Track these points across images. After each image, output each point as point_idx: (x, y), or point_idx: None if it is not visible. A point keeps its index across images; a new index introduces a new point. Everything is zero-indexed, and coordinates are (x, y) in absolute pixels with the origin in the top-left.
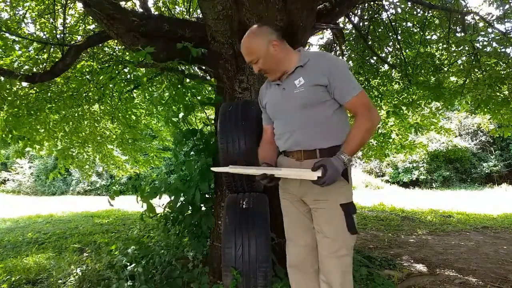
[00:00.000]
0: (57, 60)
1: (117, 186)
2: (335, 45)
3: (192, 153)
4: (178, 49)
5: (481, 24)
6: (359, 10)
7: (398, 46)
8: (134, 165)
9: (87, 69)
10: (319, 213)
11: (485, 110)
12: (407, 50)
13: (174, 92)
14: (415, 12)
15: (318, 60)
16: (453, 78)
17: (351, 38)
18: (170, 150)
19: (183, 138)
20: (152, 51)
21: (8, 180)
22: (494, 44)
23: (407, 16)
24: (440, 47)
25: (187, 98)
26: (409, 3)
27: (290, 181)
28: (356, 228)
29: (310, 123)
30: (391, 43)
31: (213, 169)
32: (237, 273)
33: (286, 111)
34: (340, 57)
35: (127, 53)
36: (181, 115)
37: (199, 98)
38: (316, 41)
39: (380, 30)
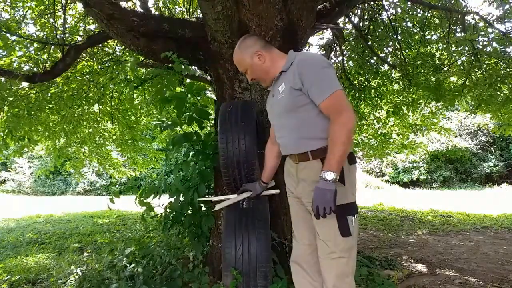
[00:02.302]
0: (57, 60)
1: (117, 186)
2: (335, 45)
3: (191, 153)
4: (178, 50)
5: (481, 24)
6: (359, 10)
7: (398, 46)
8: (133, 166)
9: (87, 70)
10: (313, 214)
11: (486, 109)
12: (407, 50)
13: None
14: (415, 12)
15: (295, 63)
16: (453, 78)
17: (351, 38)
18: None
19: (177, 142)
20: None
21: (8, 180)
22: (494, 44)
23: (407, 16)
24: (440, 47)
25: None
26: (409, 3)
27: (289, 181)
28: (350, 231)
29: (296, 127)
30: (391, 43)
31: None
32: (237, 273)
33: (276, 117)
34: (321, 56)
35: (127, 53)
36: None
37: (199, 98)
38: (316, 41)
39: (380, 30)
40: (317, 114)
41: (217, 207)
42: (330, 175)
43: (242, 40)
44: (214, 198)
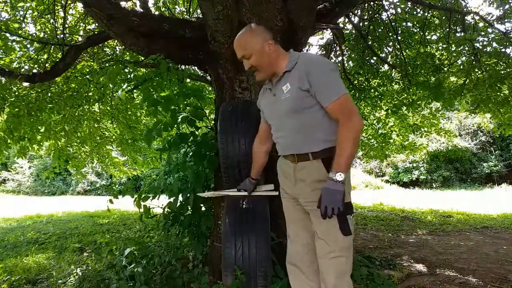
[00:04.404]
0: (57, 60)
1: (117, 186)
2: (335, 45)
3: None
4: (178, 50)
5: (481, 24)
6: (359, 10)
7: (398, 46)
8: (133, 166)
9: (87, 70)
10: (312, 214)
11: (485, 109)
12: (407, 50)
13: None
14: (415, 12)
15: (302, 64)
16: (453, 78)
17: (351, 38)
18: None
19: (173, 144)
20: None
21: (8, 180)
22: (494, 44)
23: (407, 16)
24: (440, 47)
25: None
26: (409, 3)
27: (285, 181)
28: (350, 230)
29: (300, 128)
30: (391, 43)
31: (200, 194)
32: (240, 273)
33: (277, 116)
34: (327, 58)
35: (127, 53)
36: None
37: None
38: (316, 41)
39: (380, 30)
40: (322, 116)
41: (207, 194)
42: (340, 176)
43: (255, 25)
44: (209, 194)
